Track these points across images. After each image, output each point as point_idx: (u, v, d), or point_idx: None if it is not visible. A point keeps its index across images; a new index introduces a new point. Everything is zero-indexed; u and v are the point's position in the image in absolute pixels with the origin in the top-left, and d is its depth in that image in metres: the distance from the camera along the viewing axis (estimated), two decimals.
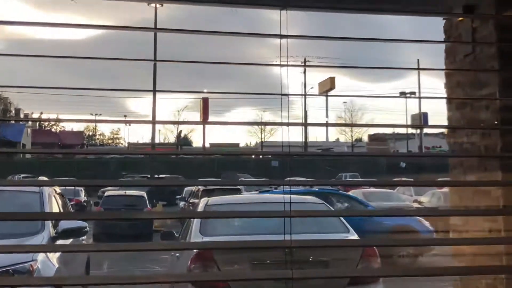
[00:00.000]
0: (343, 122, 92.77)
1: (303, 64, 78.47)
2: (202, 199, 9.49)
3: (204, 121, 39.12)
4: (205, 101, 46.72)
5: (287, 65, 4.19)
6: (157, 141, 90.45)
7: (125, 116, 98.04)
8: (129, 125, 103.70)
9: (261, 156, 69.77)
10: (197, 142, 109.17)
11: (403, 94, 69.96)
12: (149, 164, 51.18)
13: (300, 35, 4.23)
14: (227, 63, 4.19)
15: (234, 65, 4.57)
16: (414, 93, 70.89)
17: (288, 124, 4.18)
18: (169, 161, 57.85)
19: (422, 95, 72.08)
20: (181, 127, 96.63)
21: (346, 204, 19.30)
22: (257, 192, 18.94)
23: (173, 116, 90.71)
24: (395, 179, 31.47)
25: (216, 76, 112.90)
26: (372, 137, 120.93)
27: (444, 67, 4.49)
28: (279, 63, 4.27)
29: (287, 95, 4.20)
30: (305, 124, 19.71)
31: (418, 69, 8.43)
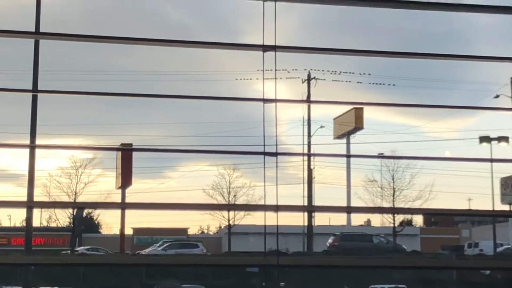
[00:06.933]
0: (379, 194, 53.40)
1: (304, 89, 52.43)
2: None
3: (122, 202, 22.21)
4: (127, 155, 27.06)
5: (281, 101, 2.56)
6: (34, 223, 55.66)
7: None
8: None
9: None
10: (110, 226, 71.65)
11: (484, 141, 43.66)
12: (24, 272, 28.08)
13: (295, 46, 2.63)
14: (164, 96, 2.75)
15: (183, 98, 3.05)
16: (506, 138, 43.43)
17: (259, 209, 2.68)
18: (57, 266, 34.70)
19: None
20: (81, 197, 56.86)
21: None
22: None
23: (67, 176, 54.62)
24: None
25: (143, 108, 70.05)
26: (432, 219, 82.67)
27: None
28: (260, 96, 2.63)
29: (274, 154, 2.65)
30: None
31: None
